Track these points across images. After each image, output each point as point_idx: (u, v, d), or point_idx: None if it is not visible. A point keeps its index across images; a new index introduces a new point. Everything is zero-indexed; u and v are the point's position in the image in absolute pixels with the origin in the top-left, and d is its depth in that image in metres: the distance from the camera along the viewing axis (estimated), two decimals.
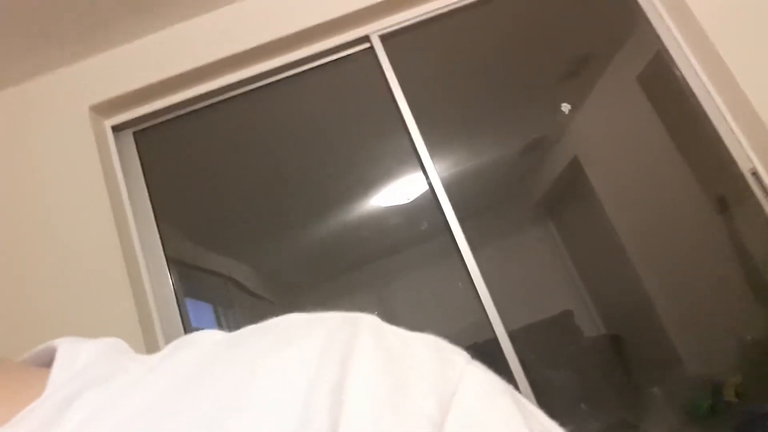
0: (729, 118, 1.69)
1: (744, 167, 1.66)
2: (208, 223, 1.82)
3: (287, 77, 1.87)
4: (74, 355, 0.27)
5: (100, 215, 1.66)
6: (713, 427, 1.62)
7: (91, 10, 1.64)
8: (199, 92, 1.83)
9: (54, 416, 0.23)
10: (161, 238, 1.74)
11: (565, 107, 1.82)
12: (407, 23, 1.86)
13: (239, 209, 1.82)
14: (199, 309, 1.73)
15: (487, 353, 1.60)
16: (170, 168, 1.86)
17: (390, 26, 1.85)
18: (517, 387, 1.52)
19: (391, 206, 1.79)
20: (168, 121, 1.87)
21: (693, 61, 1.75)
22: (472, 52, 1.91)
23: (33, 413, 0.23)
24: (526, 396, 1.55)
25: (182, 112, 1.87)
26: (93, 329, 1.50)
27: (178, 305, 1.67)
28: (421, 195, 1.74)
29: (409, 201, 1.78)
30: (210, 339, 0.28)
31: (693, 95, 1.74)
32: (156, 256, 1.73)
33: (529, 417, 0.23)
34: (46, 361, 0.27)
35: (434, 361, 0.24)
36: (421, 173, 1.74)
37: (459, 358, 0.25)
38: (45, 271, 1.61)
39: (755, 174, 1.64)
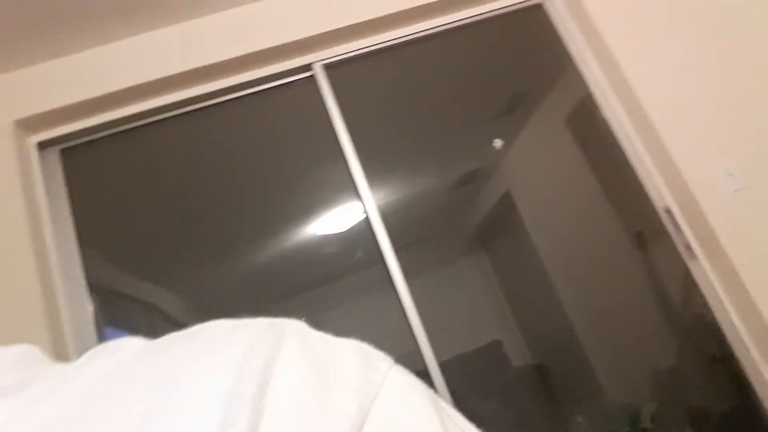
0: (647, 159, 1.81)
1: (659, 205, 1.77)
2: (136, 249, 1.74)
3: (226, 101, 1.85)
4: None
5: (16, 236, 1.56)
6: None
7: (21, 22, 1.57)
8: (132, 112, 1.78)
9: None
10: (83, 262, 1.65)
11: (498, 143, 1.89)
12: (350, 54, 1.89)
13: (169, 235, 1.76)
14: (119, 338, 1.64)
15: None
16: (98, 189, 1.78)
17: (333, 56, 1.87)
18: None
19: (327, 235, 1.78)
20: (98, 139, 1.79)
21: (616, 106, 1.87)
22: (411, 85, 1.96)
23: None
24: None
25: (114, 131, 1.80)
26: None
27: (98, 333, 1.59)
28: (357, 224, 1.75)
29: (345, 230, 1.78)
30: (130, 345, 0.27)
31: (615, 138, 1.85)
32: (76, 281, 1.64)
33: (446, 419, 0.23)
34: None
35: (358, 364, 0.25)
36: (358, 202, 1.75)
37: (382, 362, 0.25)
38: None
39: (668, 212, 1.75)
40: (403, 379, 0.25)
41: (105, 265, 1.69)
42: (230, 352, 0.24)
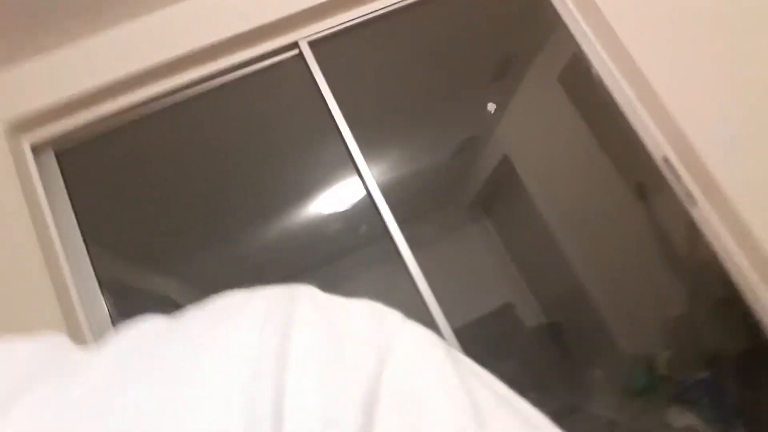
0: (641, 111, 1.81)
1: (657, 155, 1.78)
2: (142, 242, 1.75)
3: (216, 87, 1.84)
4: (11, 353, 0.27)
5: (24, 242, 1.57)
6: (651, 401, 1.71)
7: (3, 18, 1.55)
8: (124, 105, 1.77)
9: None
10: (92, 260, 1.66)
11: (491, 107, 1.89)
12: (336, 29, 1.87)
13: (174, 225, 1.77)
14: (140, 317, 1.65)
15: None
16: (97, 187, 1.78)
17: (318, 32, 1.86)
18: None
19: (330, 213, 1.79)
20: (92, 137, 1.78)
21: (607, 60, 1.86)
22: (401, 56, 1.95)
23: None
24: None
25: (106, 128, 1.79)
26: None
27: (114, 328, 1.60)
28: (359, 200, 1.75)
29: (347, 207, 1.79)
30: (151, 322, 0.28)
31: (608, 92, 1.85)
32: (87, 280, 1.65)
33: (460, 366, 0.24)
34: None
35: (370, 320, 0.25)
36: (357, 178, 1.75)
37: (393, 317, 0.26)
38: None
39: (667, 161, 1.76)
40: (415, 330, 0.26)
41: (114, 262, 1.70)
42: (247, 319, 0.24)
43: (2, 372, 0.25)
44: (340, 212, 1.79)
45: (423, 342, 0.25)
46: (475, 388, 0.23)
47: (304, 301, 0.25)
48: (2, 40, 1.62)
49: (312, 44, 1.84)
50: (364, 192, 1.74)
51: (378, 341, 0.24)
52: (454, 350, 0.26)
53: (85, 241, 1.69)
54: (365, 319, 0.25)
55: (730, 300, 1.72)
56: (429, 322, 1.61)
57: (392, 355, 0.23)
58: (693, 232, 1.75)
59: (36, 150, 1.75)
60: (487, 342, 1.73)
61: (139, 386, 0.22)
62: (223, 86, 1.84)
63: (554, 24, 1.94)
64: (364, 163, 1.74)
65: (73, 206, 1.71)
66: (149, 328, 0.27)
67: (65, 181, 1.74)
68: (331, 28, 1.86)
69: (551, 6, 1.95)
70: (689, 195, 1.73)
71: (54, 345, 0.29)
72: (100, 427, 0.21)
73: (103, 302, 1.63)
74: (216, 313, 0.26)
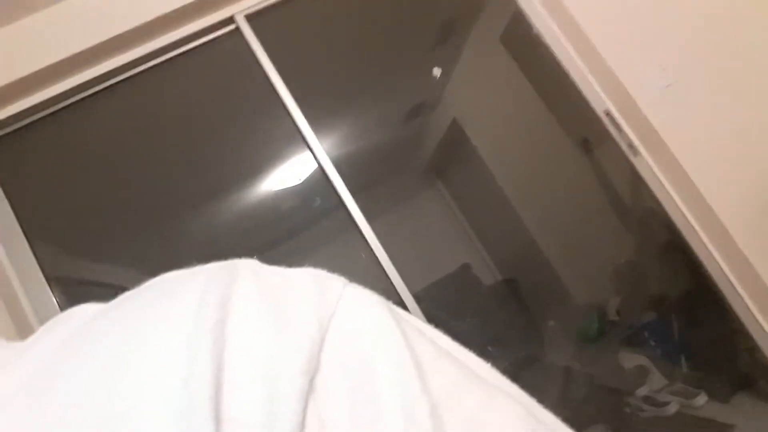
0: (582, 66, 1.84)
1: (599, 109, 1.83)
2: (87, 232, 1.69)
3: (154, 67, 1.77)
4: None
5: None
6: (603, 345, 1.81)
7: None
8: (57, 91, 1.68)
9: None
10: (36, 257, 1.60)
11: (437, 71, 1.89)
12: (272, 1, 1.82)
13: (119, 212, 1.71)
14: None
15: None
16: (33, 180, 1.70)
17: (254, 5, 1.80)
18: None
19: (283, 189, 1.77)
20: (23, 127, 1.69)
21: (547, 18, 1.88)
22: (342, 26, 1.91)
23: None
24: None
25: (39, 115, 1.70)
26: None
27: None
28: (311, 174, 1.74)
29: (300, 182, 1.77)
30: (85, 310, 0.27)
31: (550, 50, 1.87)
32: (34, 277, 1.59)
33: (404, 325, 0.25)
34: None
35: (312, 287, 0.25)
36: (308, 152, 1.73)
37: (337, 282, 0.26)
38: None
39: (609, 114, 1.81)
40: (358, 294, 0.26)
41: (60, 256, 1.64)
42: (184, 297, 0.24)
43: None
44: (293, 188, 1.77)
45: (365, 303, 0.25)
46: (418, 343, 0.24)
47: (244, 275, 0.25)
48: None
49: (249, 18, 1.78)
50: (316, 165, 1.73)
51: (320, 307, 0.24)
52: (397, 308, 0.26)
53: (26, 237, 1.62)
54: (307, 286, 0.25)
55: (673, 245, 1.81)
56: (389, 289, 1.64)
57: (334, 319, 0.24)
58: (636, 181, 1.82)
59: None
60: (447, 303, 1.77)
61: (74, 373, 0.22)
62: (161, 66, 1.77)
63: None
64: (314, 136, 1.72)
65: (10, 202, 1.64)
66: (82, 314, 0.26)
67: None
68: (267, 0, 1.80)
69: None
70: (631, 146, 1.79)
71: None
72: (36, 417, 0.21)
73: (53, 298, 1.58)
74: (152, 294, 0.25)
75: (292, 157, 1.77)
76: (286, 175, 1.77)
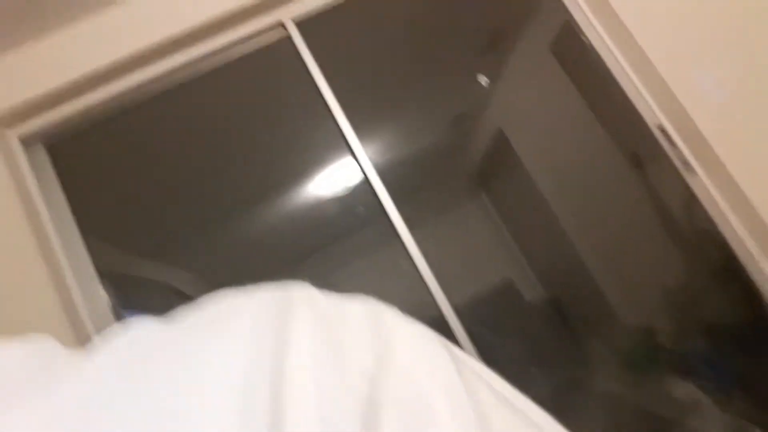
0: (635, 79, 1.79)
1: (652, 123, 1.76)
2: (139, 231, 1.75)
3: (205, 72, 1.82)
4: None
5: (19, 238, 1.57)
6: (652, 372, 1.72)
7: None
8: (111, 93, 1.75)
9: None
10: (89, 252, 1.66)
11: (483, 80, 1.87)
12: (322, 7, 1.84)
13: (170, 213, 1.76)
14: (129, 319, 1.67)
15: (434, 329, 1.63)
16: (90, 178, 1.77)
17: (304, 11, 1.83)
18: None
19: (326, 195, 1.78)
20: (80, 129, 1.77)
21: (599, 29, 1.84)
22: (389, 32, 1.92)
23: None
24: None
25: (95, 118, 1.78)
26: None
27: (116, 319, 1.61)
28: (354, 181, 1.75)
29: (343, 189, 1.78)
30: (142, 327, 0.27)
31: (601, 60, 1.83)
32: (86, 271, 1.65)
33: (460, 365, 0.24)
34: None
35: (367, 320, 0.25)
36: (351, 158, 1.74)
37: (390, 315, 0.26)
38: None
39: (662, 129, 1.75)
40: (413, 329, 0.25)
41: (111, 251, 1.70)
42: (242, 323, 0.24)
43: None
44: (336, 194, 1.78)
45: (422, 342, 0.25)
46: (477, 389, 0.23)
47: (299, 303, 0.25)
48: None
49: (298, 23, 1.82)
50: (360, 173, 1.73)
51: (375, 343, 0.24)
52: (454, 348, 0.26)
53: (81, 233, 1.69)
54: (362, 320, 0.25)
55: (729, 269, 1.72)
56: (429, 301, 1.62)
57: (392, 359, 0.23)
58: (690, 200, 1.75)
59: (25, 143, 1.74)
60: (488, 318, 1.73)
61: (133, 394, 0.22)
62: (211, 71, 1.82)
63: None
64: (358, 143, 1.73)
65: (68, 199, 1.71)
66: (140, 333, 0.27)
67: (57, 174, 1.73)
68: (316, 6, 1.83)
69: None
70: (686, 163, 1.72)
71: (43, 350, 0.28)
72: None
73: (103, 293, 1.64)
74: (209, 319, 0.26)
75: (336, 164, 1.78)
76: (330, 180, 1.79)
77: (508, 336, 1.77)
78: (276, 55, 1.83)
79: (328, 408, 0.21)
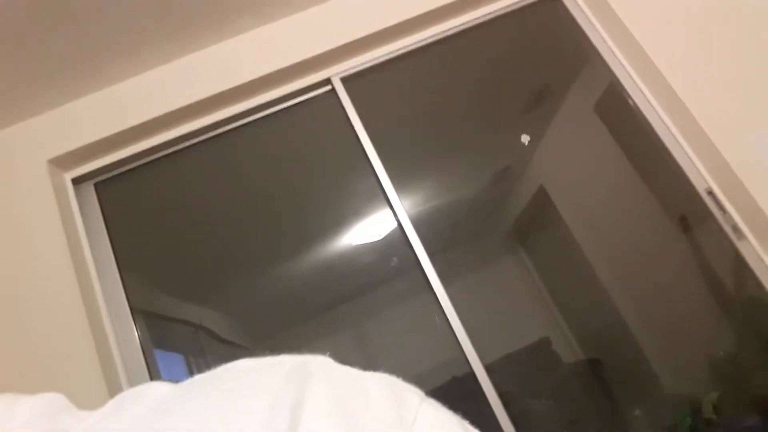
0: (682, 141, 1.75)
1: (700, 187, 1.71)
2: (175, 272, 1.78)
3: (250, 122, 1.88)
4: (9, 415, 0.26)
5: (61, 269, 1.61)
6: None
7: (42, 65, 1.63)
8: (160, 141, 1.83)
9: None
10: (125, 288, 1.69)
11: (525, 138, 1.87)
12: (367, 65, 1.90)
13: (207, 256, 1.79)
14: (168, 360, 1.67)
15: (464, 388, 1.58)
16: (133, 217, 1.82)
17: (351, 68, 1.89)
18: (495, 419, 1.50)
19: (361, 245, 1.78)
20: (129, 170, 1.84)
21: (644, 89, 1.83)
22: (432, 89, 1.95)
23: None
24: (505, 428, 1.52)
25: (144, 161, 1.85)
26: (56, 386, 1.43)
27: (145, 356, 1.61)
28: (390, 232, 1.74)
29: (378, 239, 1.77)
30: (154, 393, 0.26)
31: (647, 122, 1.81)
32: (120, 307, 1.68)
33: None
34: None
35: (388, 400, 0.24)
36: (389, 210, 1.74)
37: (413, 396, 0.25)
38: (3, 328, 1.54)
39: (711, 193, 1.69)
40: (436, 413, 0.24)
41: (147, 290, 1.72)
42: (256, 398, 0.23)
43: None
44: (372, 244, 1.78)
45: (443, 424, 0.24)
46: None
47: (316, 381, 0.24)
48: (46, 85, 1.70)
49: (344, 80, 1.87)
50: (396, 224, 1.73)
51: (397, 425, 0.23)
52: (474, 430, 0.25)
53: (119, 268, 1.72)
54: (383, 400, 0.24)
55: None
56: (460, 357, 1.57)
57: None
58: (740, 266, 1.68)
59: (76, 182, 1.81)
60: (521, 378, 1.67)
61: None
62: (258, 121, 1.88)
63: (588, 54, 1.92)
64: (395, 195, 1.74)
65: (110, 235, 1.76)
66: (154, 394, 0.26)
67: (102, 212, 1.79)
68: (362, 64, 1.89)
69: (585, 36, 1.92)
70: (735, 228, 1.66)
71: (52, 407, 0.28)
72: None
73: (135, 329, 1.65)
74: (223, 391, 0.25)
75: (373, 214, 1.79)
76: (367, 231, 1.79)
77: (542, 397, 1.70)
78: (321, 108, 1.88)
79: None
